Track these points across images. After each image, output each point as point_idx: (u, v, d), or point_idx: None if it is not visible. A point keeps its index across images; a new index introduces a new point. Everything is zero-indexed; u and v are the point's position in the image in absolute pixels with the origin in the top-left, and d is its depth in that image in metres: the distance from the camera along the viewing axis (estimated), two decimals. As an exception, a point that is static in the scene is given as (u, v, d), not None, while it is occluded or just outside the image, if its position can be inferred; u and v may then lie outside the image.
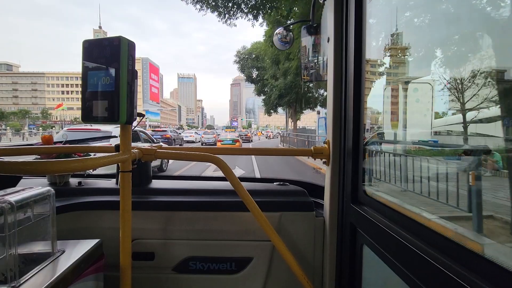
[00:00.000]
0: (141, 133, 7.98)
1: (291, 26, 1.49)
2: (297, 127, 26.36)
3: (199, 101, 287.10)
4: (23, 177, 1.31)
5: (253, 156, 10.98)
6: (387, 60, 1.28)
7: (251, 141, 32.76)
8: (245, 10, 9.44)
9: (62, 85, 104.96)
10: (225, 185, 1.29)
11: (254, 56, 28.88)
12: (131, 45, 0.77)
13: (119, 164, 0.94)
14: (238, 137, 21.92)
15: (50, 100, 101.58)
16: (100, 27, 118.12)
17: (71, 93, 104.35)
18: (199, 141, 25.54)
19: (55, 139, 1.39)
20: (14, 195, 0.69)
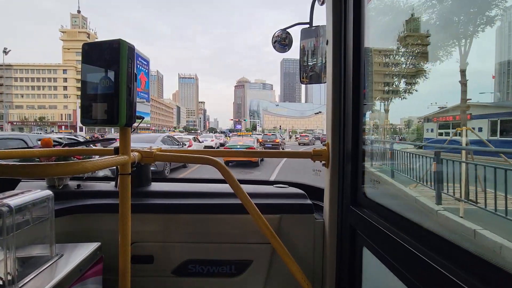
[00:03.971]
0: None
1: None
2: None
3: (201, 102, 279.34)
4: (22, 180, 1.31)
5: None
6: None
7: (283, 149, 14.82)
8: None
9: (33, 79, 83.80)
10: (225, 187, 1.29)
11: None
12: (130, 48, 0.78)
13: (118, 166, 0.94)
14: (258, 144, 13.94)
15: (18, 97, 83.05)
16: (79, 11, 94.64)
17: (43, 89, 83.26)
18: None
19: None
20: (12, 198, 0.69)
